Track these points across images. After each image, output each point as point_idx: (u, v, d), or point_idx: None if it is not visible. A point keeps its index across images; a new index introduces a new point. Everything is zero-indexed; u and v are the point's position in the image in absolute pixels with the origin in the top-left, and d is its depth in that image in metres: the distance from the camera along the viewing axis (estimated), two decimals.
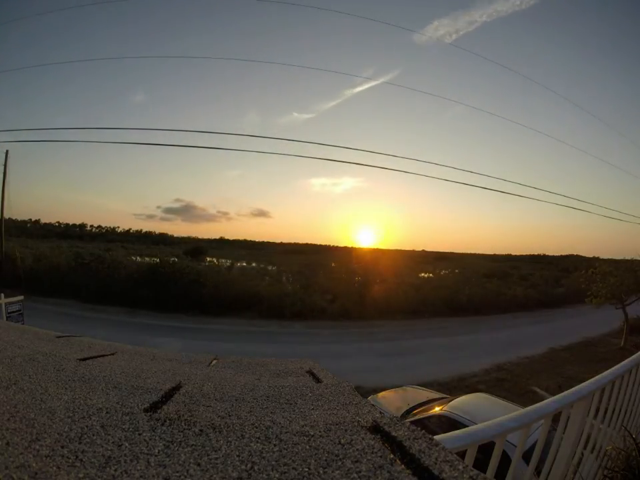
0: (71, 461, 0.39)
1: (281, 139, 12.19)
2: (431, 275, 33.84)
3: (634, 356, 2.12)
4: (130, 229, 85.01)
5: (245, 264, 34.52)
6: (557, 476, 1.54)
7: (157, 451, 0.43)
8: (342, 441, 0.48)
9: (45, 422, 0.47)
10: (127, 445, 0.44)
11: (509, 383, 9.76)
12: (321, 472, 0.40)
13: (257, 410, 0.63)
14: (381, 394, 6.83)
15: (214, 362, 1.17)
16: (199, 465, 0.41)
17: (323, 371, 1.06)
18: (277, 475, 0.39)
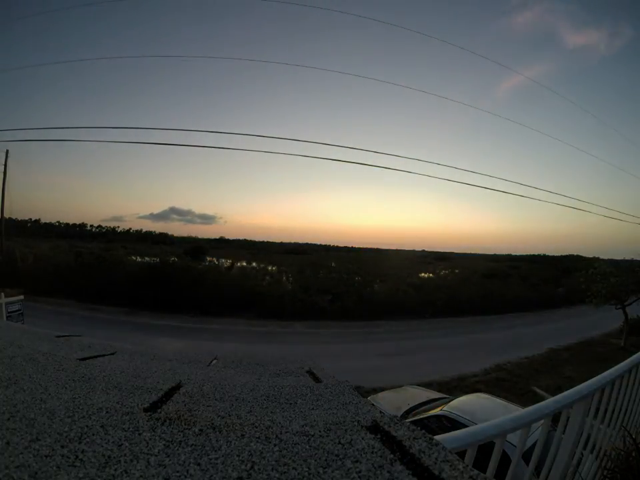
0: (70, 460, 0.39)
1: (283, 138, 12.17)
2: (431, 275, 33.84)
3: (634, 356, 2.12)
4: (130, 228, 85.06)
5: (245, 264, 34.51)
6: (557, 476, 1.54)
7: (156, 450, 0.43)
8: (342, 440, 0.48)
9: (45, 422, 0.47)
10: (127, 444, 0.44)
11: (508, 383, 9.76)
12: (321, 472, 0.40)
13: (256, 410, 0.63)
14: (380, 394, 6.83)
15: (214, 362, 1.17)
16: (199, 464, 0.41)
17: (323, 371, 1.06)
18: (276, 475, 0.39)
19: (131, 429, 0.48)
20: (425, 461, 0.43)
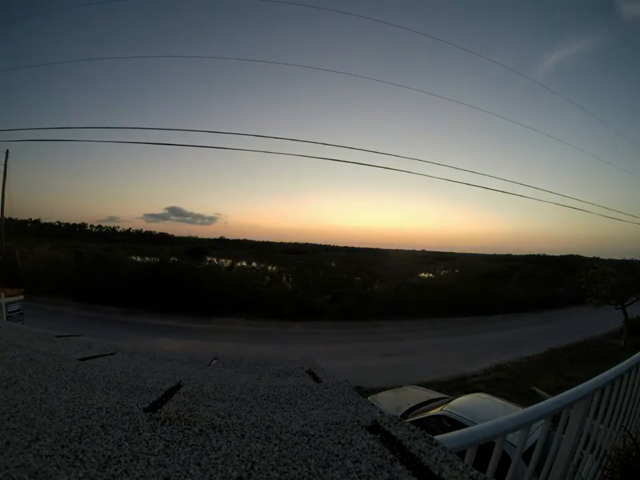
0: (70, 460, 0.39)
1: (283, 138, 12.16)
2: (431, 275, 33.85)
3: (634, 356, 2.12)
4: (130, 228, 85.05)
5: (245, 264, 34.53)
6: (557, 476, 1.54)
7: (156, 450, 0.43)
8: (342, 440, 0.48)
9: (45, 422, 0.47)
10: (126, 444, 0.44)
11: (509, 383, 9.77)
12: (321, 472, 0.40)
13: (256, 410, 0.63)
14: (380, 394, 6.83)
15: (214, 362, 1.17)
16: (199, 464, 0.41)
17: (323, 371, 1.06)
18: (276, 475, 0.39)
19: (131, 429, 0.48)
20: (424, 460, 0.43)
